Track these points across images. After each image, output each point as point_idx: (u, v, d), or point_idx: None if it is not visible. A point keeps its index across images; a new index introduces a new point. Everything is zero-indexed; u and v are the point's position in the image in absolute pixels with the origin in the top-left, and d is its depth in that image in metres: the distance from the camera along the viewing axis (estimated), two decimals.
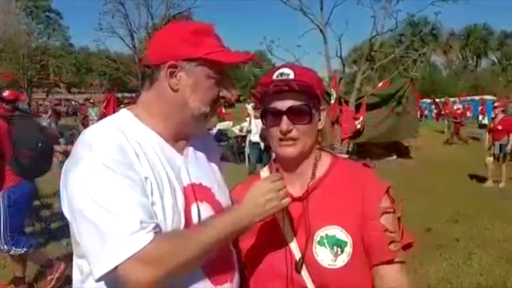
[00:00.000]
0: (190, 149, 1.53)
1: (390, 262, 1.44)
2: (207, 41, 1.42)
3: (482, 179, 11.40)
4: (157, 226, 1.27)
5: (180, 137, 1.50)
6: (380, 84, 15.79)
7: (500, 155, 11.17)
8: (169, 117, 1.45)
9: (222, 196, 1.57)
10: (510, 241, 6.56)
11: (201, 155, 1.57)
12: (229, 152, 15.91)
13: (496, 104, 12.31)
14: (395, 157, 15.94)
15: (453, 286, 5.14)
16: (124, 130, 1.38)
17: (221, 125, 17.82)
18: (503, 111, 11.72)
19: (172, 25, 1.56)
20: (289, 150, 1.48)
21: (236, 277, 1.53)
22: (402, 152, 16.52)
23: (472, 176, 11.85)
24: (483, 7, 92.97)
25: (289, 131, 1.46)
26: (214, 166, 1.64)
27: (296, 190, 1.51)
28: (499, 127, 11.23)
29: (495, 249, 6.27)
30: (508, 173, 10.99)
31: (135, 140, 1.38)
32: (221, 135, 16.82)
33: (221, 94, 1.48)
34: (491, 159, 11.24)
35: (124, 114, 1.48)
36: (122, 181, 1.26)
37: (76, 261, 1.43)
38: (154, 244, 1.22)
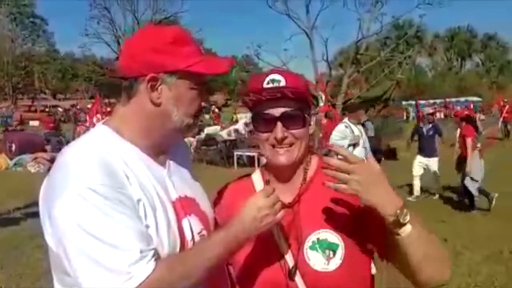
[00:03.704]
0: (171, 161, 1.49)
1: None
2: (186, 50, 1.37)
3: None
4: (155, 252, 1.24)
5: (161, 149, 1.45)
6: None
7: None
8: (151, 131, 1.40)
9: (205, 204, 1.55)
10: (497, 241, 6.62)
11: (180, 164, 1.54)
12: (218, 156, 15.91)
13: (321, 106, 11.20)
14: (382, 158, 16.01)
15: (443, 287, 5.17)
16: (107, 148, 1.32)
17: (209, 130, 17.82)
18: (325, 115, 10.74)
19: (146, 32, 1.46)
20: (284, 158, 1.47)
21: None
22: (389, 153, 16.61)
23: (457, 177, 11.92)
24: (466, 10, 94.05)
25: (285, 138, 1.45)
26: (191, 172, 1.61)
27: (287, 195, 1.49)
28: (320, 135, 10.31)
29: (483, 249, 6.32)
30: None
31: (120, 158, 1.31)
32: (210, 140, 16.81)
33: (202, 104, 1.44)
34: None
35: (102, 130, 1.39)
36: (115, 208, 1.20)
37: None
38: (157, 273, 1.19)
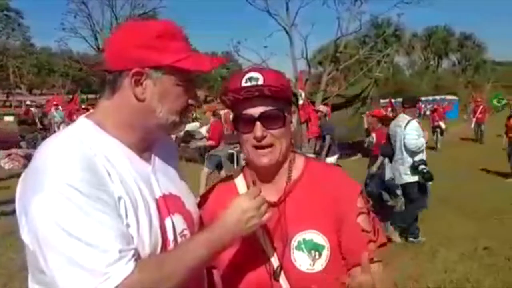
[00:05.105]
0: (157, 157, 1.45)
1: (369, 261, 1.40)
2: (173, 45, 1.32)
3: (442, 178, 11.38)
4: (135, 252, 1.20)
5: (145, 145, 1.41)
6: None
7: None
8: (135, 126, 1.36)
9: (190, 203, 1.52)
10: (472, 239, 6.75)
11: (166, 162, 1.50)
12: (197, 153, 15.81)
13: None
14: (360, 156, 16.16)
15: (419, 284, 5.25)
16: (89, 142, 1.27)
17: (188, 127, 17.71)
18: (213, 114, 11.10)
19: (133, 25, 1.42)
20: (266, 159, 1.46)
21: None
22: (367, 151, 16.75)
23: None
24: (444, 9, 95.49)
25: (264, 137, 1.43)
26: (177, 170, 1.57)
27: (272, 194, 1.48)
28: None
29: (458, 247, 6.44)
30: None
31: (102, 154, 1.27)
32: (189, 137, 16.71)
33: (189, 101, 1.40)
34: (206, 170, 10.36)
35: (83, 123, 1.34)
36: (95, 206, 1.16)
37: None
38: (136, 274, 1.15)
